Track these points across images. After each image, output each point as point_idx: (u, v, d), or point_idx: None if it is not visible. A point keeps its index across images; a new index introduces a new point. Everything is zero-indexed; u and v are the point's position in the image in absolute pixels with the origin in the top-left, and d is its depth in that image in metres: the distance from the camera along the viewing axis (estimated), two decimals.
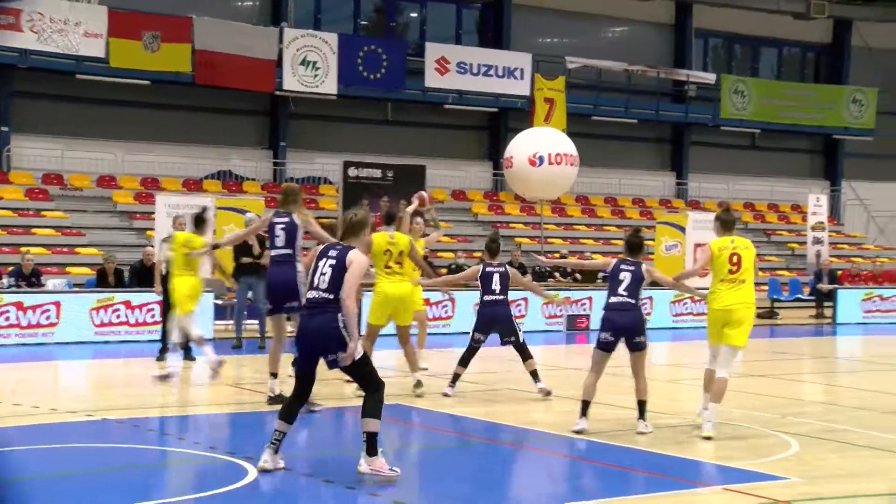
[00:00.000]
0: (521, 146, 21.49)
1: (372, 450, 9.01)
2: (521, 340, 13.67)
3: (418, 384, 13.64)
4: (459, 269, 27.11)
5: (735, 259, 10.86)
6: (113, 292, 20.64)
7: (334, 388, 14.44)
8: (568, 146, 21.44)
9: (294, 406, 9.51)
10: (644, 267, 11.70)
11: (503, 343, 13.80)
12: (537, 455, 11.51)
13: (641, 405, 11.63)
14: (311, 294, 9.34)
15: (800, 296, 31.05)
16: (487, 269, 13.62)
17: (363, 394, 12.71)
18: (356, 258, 9.19)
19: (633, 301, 11.54)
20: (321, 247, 10.05)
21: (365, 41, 31.20)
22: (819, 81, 40.87)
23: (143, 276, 19.80)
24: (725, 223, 11.34)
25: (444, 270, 27.02)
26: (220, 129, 30.55)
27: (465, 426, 12.89)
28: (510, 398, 14.34)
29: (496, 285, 13.54)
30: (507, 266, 13.88)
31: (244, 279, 18.67)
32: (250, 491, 8.94)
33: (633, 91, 36.18)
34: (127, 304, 20.66)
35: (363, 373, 9.32)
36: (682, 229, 29.02)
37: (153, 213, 23.33)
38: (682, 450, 11.11)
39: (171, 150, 29.68)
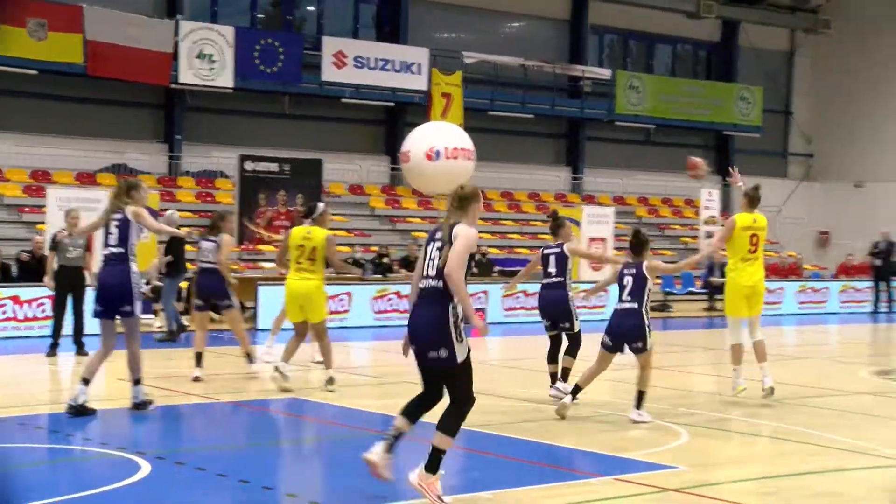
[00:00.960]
0: (417, 141, 21.10)
1: (433, 467, 8.26)
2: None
3: (330, 381, 13.57)
4: (356, 263, 26.95)
5: (755, 240, 11.67)
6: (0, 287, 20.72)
7: (230, 383, 14.88)
8: (465, 141, 21.12)
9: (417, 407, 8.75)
10: (645, 265, 11.83)
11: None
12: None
13: (640, 395, 11.80)
14: (422, 283, 8.65)
15: (692, 289, 31.89)
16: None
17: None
18: (462, 231, 8.36)
19: (635, 306, 11.73)
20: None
21: (262, 34, 31.00)
22: (710, 79, 41.73)
23: (32, 270, 19.64)
24: (753, 200, 12.11)
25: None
26: (114, 122, 29.88)
27: (360, 419, 12.66)
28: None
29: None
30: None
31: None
32: (143, 487, 8.77)
33: (530, 86, 36.38)
34: (15, 298, 20.42)
35: (462, 379, 8.48)
36: (578, 223, 28.77)
37: (44, 206, 22.98)
38: (574, 441, 11.23)
39: (63, 143, 28.85)
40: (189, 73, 29.17)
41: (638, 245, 12.03)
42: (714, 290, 30.22)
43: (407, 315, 11.42)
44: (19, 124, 28.39)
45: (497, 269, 29.08)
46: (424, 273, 8.54)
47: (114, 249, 11.80)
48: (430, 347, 8.40)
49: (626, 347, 11.87)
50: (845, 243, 39.28)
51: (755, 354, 11.68)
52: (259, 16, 32.99)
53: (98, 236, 14.12)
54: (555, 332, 13.07)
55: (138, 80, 28.72)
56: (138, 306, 11.95)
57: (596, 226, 29.80)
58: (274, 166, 28.57)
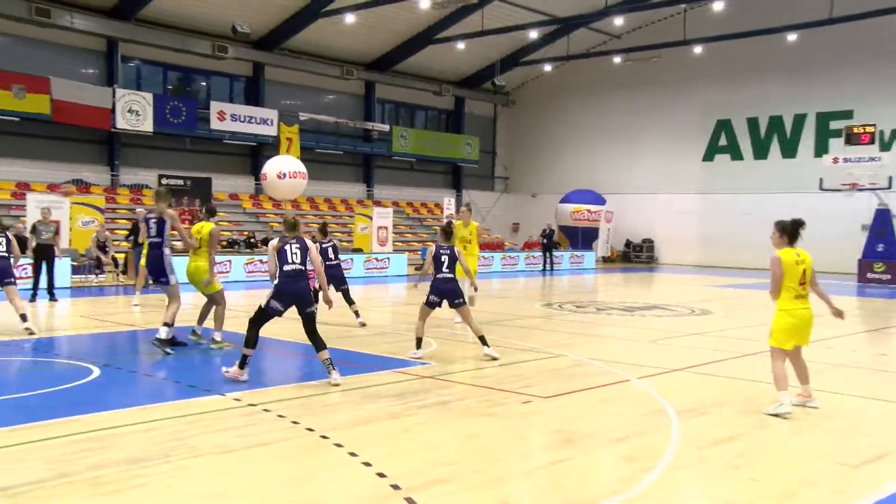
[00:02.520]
0: (271, 166, 18.92)
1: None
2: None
3: (214, 341, 11.16)
4: (235, 244, 27.43)
5: (803, 275, 7.58)
6: None
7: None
8: (301, 167, 19.65)
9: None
10: (456, 249, 10.94)
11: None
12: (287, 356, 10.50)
13: (482, 338, 10.54)
14: (289, 267, 8.67)
15: None
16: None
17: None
18: (311, 244, 8.89)
19: (452, 275, 10.69)
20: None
21: (171, 98, 30.46)
22: (448, 131, 41.61)
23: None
24: (794, 236, 7.72)
25: (223, 243, 26.77)
26: (73, 152, 29.12)
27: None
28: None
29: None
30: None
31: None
32: (95, 383, 8.49)
33: (340, 134, 36.78)
34: None
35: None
36: (371, 217, 30.09)
37: (25, 205, 22.29)
38: (365, 348, 11.11)
39: (37, 165, 27.83)
40: (123, 122, 28.64)
41: (447, 233, 11.08)
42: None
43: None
44: (7, 152, 27.38)
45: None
46: (291, 261, 8.66)
47: (155, 239, 10.61)
48: (309, 303, 8.79)
49: (447, 303, 10.76)
50: (527, 229, 40.40)
51: (783, 385, 7.59)
52: (169, 87, 32.15)
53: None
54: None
55: (89, 125, 28.17)
56: (172, 278, 10.65)
57: (381, 219, 30.23)
58: (181, 182, 28.72)
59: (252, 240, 28.23)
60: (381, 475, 5.69)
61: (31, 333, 11.69)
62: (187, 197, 28.08)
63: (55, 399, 7.94)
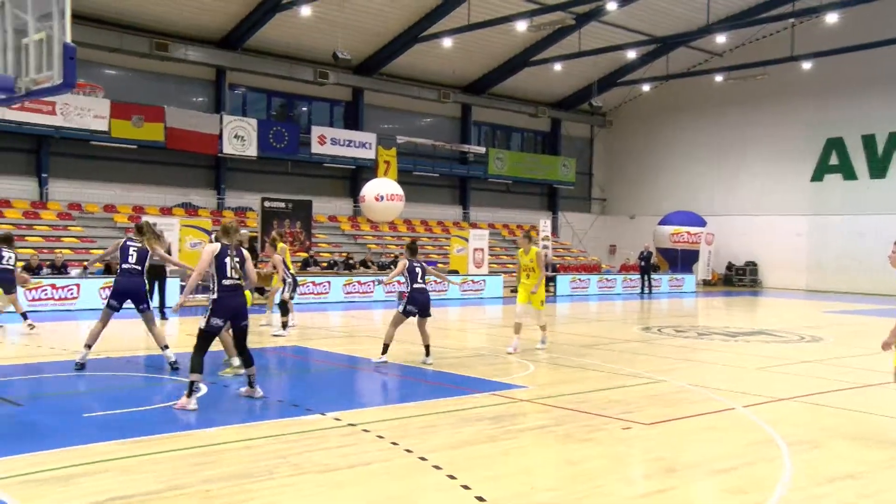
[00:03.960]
0: (369, 189, 21.00)
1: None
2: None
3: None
4: (335, 265, 27.76)
5: None
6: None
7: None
8: (398, 189, 21.21)
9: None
10: (426, 265, 11.51)
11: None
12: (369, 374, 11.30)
13: (427, 347, 11.28)
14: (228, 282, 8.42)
15: None
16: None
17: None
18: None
19: (426, 287, 11.32)
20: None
21: (274, 124, 31.09)
22: (544, 153, 41.32)
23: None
24: None
25: (324, 264, 27.58)
26: (183, 177, 30.13)
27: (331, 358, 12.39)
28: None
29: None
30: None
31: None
32: (202, 400, 8.35)
33: (437, 157, 36.66)
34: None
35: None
36: (467, 239, 29.84)
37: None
38: (463, 370, 11.12)
39: (151, 190, 29.17)
40: (229, 147, 29.51)
41: (412, 249, 11.47)
42: (547, 280, 30.68)
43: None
44: (125, 177, 28.86)
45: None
46: (230, 276, 8.37)
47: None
48: (245, 317, 8.65)
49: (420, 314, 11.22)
50: (624, 252, 39.39)
51: None
52: (272, 112, 32.89)
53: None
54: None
55: (198, 151, 29.16)
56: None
57: (478, 241, 29.99)
58: (282, 205, 28.38)
59: (350, 261, 28.38)
60: (481, 499, 5.64)
61: (175, 367, 10.85)
62: (288, 219, 28.36)
63: (166, 414, 8.21)
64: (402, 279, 11.53)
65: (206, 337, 8.48)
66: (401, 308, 11.38)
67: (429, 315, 11.37)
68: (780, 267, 37.61)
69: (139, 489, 5.75)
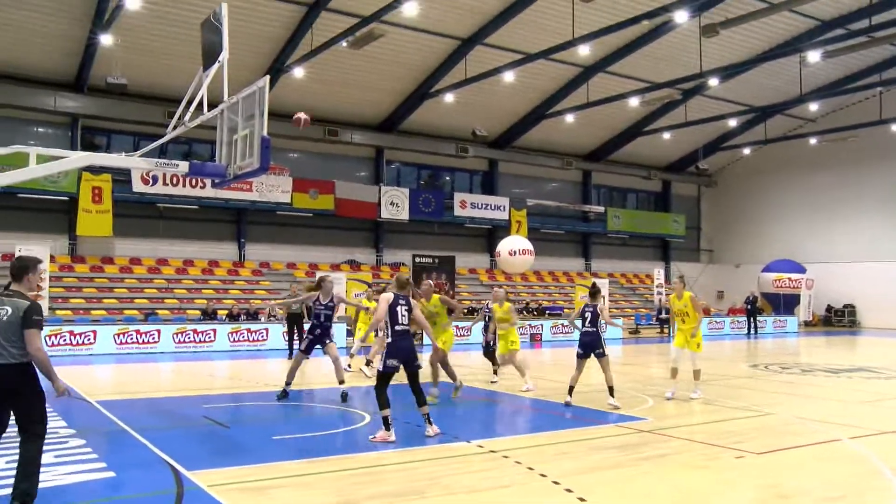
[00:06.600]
0: (504, 245, 18.71)
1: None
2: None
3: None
4: (472, 312, 26.72)
5: None
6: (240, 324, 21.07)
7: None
8: (529, 245, 19.97)
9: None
10: (599, 307, 10.62)
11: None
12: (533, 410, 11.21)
13: (610, 388, 10.36)
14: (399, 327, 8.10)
15: (650, 322, 31.65)
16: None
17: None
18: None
19: (594, 329, 10.46)
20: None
21: (423, 192, 31.46)
22: (657, 210, 40.61)
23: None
24: None
25: (465, 306, 27.31)
26: (348, 238, 30.80)
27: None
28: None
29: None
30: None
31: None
32: (367, 428, 8.55)
33: (562, 216, 36.44)
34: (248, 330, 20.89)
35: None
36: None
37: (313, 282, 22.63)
38: (590, 404, 10.66)
39: (324, 249, 29.98)
40: (386, 212, 29.97)
41: (594, 294, 10.68)
42: (662, 322, 29.68)
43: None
44: (303, 240, 29.82)
45: (547, 312, 28.88)
46: (400, 322, 8.12)
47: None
48: (415, 360, 8.23)
49: (593, 354, 10.43)
50: (731, 297, 38.74)
51: None
52: (421, 182, 33.35)
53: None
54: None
55: (360, 216, 29.74)
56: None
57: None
58: (430, 260, 28.73)
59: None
60: None
61: (345, 396, 10.70)
62: (436, 272, 28.55)
63: (338, 438, 8.38)
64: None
65: (384, 377, 8.16)
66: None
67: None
68: (876, 308, 35.32)
69: (317, 502, 5.86)
